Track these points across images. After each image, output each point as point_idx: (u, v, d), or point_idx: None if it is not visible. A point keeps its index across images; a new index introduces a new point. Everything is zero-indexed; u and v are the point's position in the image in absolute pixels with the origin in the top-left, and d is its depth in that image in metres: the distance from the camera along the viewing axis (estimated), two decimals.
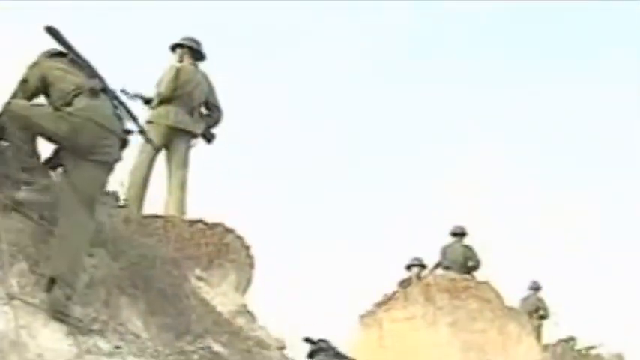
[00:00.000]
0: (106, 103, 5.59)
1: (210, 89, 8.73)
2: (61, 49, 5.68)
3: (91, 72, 5.62)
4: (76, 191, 5.38)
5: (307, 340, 7.90)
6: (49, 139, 5.52)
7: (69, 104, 5.42)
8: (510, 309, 11.69)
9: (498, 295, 11.31)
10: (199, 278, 7.32)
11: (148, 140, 7.11)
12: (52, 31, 5.58)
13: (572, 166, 31.06)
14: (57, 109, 5.41)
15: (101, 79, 5.62)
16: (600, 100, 30.73)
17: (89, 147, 5.40)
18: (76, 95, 5.44)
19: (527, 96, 32.09)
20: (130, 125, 5.85)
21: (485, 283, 11.39)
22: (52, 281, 5.17)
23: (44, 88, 5.57)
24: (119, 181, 8.27)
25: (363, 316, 10.77)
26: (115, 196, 7.68)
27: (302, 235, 29.75)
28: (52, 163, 5.68)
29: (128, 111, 5.84)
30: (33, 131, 5.44)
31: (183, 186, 8.46)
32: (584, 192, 28.84)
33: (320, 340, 7.94)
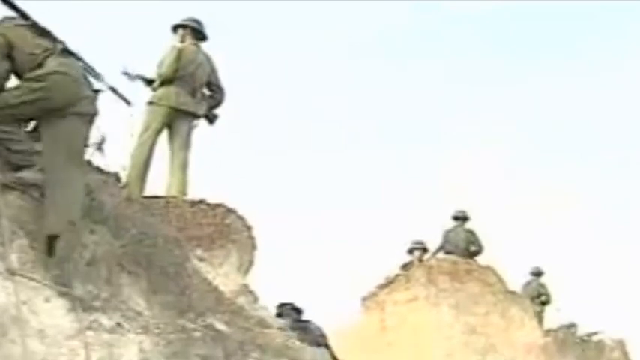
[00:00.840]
0: (75, 62, 5.62)
1: (213, 70, 8.67)
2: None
3: (52, 36, 5.62)
4: (61, 147, 5.40)
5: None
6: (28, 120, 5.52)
7: (40, 65, 5.41)
8: (512, 293, 11.66)
9: (500, 280, 11.27)
10: (201, 259, 7.28)
11: (122, 98, 6.97)
12: (6, 1, 5.59)
13: (570, 155, 31.09)
14: (23, 77, 5.42)
15: (63, 43, 5.63)
16: (598, 90, 30.76)
17: (67, 101, 5.43)
18: (46, 57, 5.44)
19: (527, 85, 32.10)
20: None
21: (488, 267, 11.35)
22: (51, 241, 5.13)
23: (9, 52, 5.48)
24: (120, 164, 8.28)
25: (364, 299, 10.74)
26: (116, 177, 7.65)
27: (305, 218, 29.83)
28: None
29: (94, 71, 5.85)
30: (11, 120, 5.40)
31: (184, 167, 8.41)
32: (583, 181, 28.87)
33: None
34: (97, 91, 5.80)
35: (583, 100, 31.49)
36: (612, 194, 31.29)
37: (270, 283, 8.08)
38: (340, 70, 32.07)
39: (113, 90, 6.19)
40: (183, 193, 8.22)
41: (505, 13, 32.30)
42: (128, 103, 6.74)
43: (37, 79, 5.37)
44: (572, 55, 32.51)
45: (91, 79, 5.78)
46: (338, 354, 8.21)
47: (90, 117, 5.69)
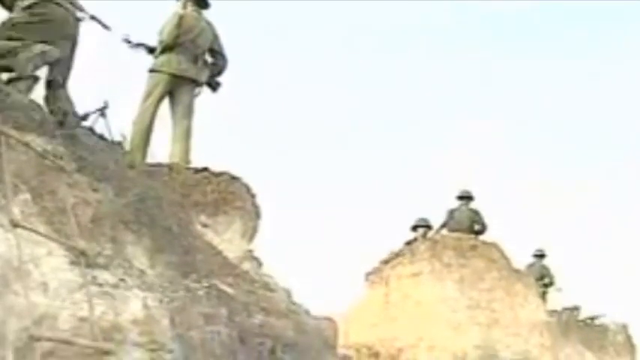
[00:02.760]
0: None
1: (215, 37, 8.56)
2: None
3: None
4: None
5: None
6: None
7: None
8: (517, 271, 11.58)
9: (505, 257, 11.19)
10: (204, 225, 7.20)
11: (102, 24, 6.88)
12: None
13: (571, 143, 31.07)
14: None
15: None
16: (600, 79, 30.68)
17: (62, 23, 6.30)
18: None
19: (528, 75, 32.03)
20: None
21: (492, 243, 11.27)
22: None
23: None
24: (122, 132, 8.20)
25: (369, 274, 10.65)
26: (119, 145, 7.58)
27: (309, 195, 29.87)
28: None
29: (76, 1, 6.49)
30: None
31: (187, 135, 8.31)
32: (584, 169, 28.83)
33: None
34: (78, 19, 6.48)
35: (583, 79, 31.47)
36: (615, 187, 31.25)
37: (274, 255, 7.96)
38: (348, 37, 31.85)
39: (93, 18, 6.65)
40: (186, 161, 8.13)
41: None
42: (107, 28, 6.80)
43: (33, 12, 6.14)
44: (578, 34, 32.40)
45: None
46: (342, 329, 8.11)
47: (76, 41, 6.46)
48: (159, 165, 7.66)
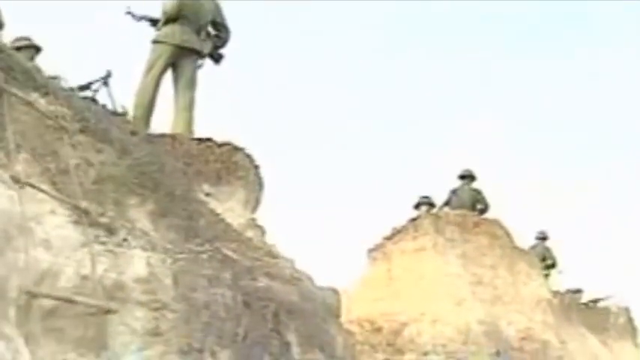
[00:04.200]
0: None
1: (218, 9, 8.53)
2: None
3: None
4: None
5: None
6: None
7: None
8: (520, 249, 11.54)
9: (508, 234, 11.16)
10: (207, 194, 7.17)
11: None
12: None
13: (571, 143, 31.11)
14: None
15: None
16: (600, 78, 30.67)
17: None
18: None
19: (529, 74, 32.02)
20: None
21: (495, 220, 11.23)
22: None
23: None
24: (123, 104, 8.17)
25: (371, 250, 10.61)
26: (122, 115, 7.56)
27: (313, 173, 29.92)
28: None
29: None
30: None
31: (190, 106, 8.29)
32: (584, 168, 28.84)
33: None
34: None
35: (583, 78, 31.46)
36: (615, 185, 31.30)
37: (277, 229, 7.92)
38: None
39: None
40: (189, 132, 8.10)
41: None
42: None
43: None
44: (578, 32, 32.38)
45: None
46: (345, 305, 8.05)
47: None
48: (162, 135, 7.63)
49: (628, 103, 32.05)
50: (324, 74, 32.21)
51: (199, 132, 8.17)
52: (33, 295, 4.55)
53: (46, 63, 6.85)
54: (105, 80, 7.85)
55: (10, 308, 4.54)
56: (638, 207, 29.90)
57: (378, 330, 9.57)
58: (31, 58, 7.82)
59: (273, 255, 6.65)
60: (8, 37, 7.49)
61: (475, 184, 13.05)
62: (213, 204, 7.00)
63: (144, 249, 5.24)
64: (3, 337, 4.39)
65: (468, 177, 13.04)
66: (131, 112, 8.01)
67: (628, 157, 30.98)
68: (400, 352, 9.37)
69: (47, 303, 4.69)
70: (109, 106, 7.75)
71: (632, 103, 31.57)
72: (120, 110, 7.87)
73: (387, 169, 30.33)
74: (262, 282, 5.95)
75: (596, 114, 32.83)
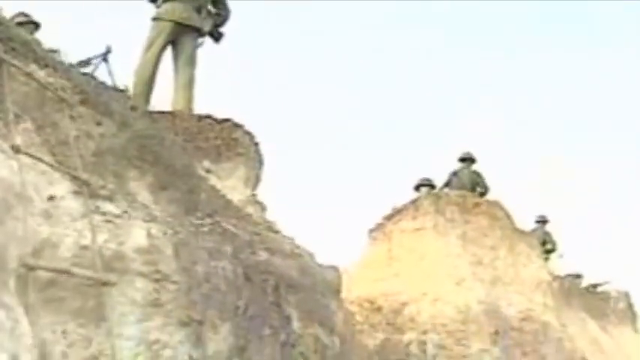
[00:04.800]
0: None
1: None
2: None
3: None
4: None
5: None
6: None
7: None
8: (520, 231, 11.53)
9: (508, 216, 11.14)
10: (207, 170, 7.15)
11: None
12: None
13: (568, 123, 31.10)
14: None
15: None
16: (599, 59, 30.63)
17: None
18: None
19: (530, 54, 31.97)
20: None
21: (496, 202, 11.22)
22: None
23: None
24: (124, 80, 8.14)
25: (372, 230, 10.59)
26: (122, 91, 7.51)
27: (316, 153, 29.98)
28: None
29: None
30: None
31: (190, 84, 8.26)
32: (584, 166, 28.84)
33: None
34: None
35: (582, 59, 31.42)
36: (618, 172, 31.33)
37: (277, 208, 7.90)
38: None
39: None
40: (189, 109, 8.08)
41: None
42: None
43: None
44: (574, 15, 32.33)
45: None
46: (346, 285, 8.02)
47: None
48: (161, 112, 7.61)
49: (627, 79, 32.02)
50: (324, 70, 32.22)
51: (199, 111, 8.15)
52: (30, 268, 4.52)
53: (44, 39, 6.81)
54: (104, 56, 7.82)
55: (9, 278, 4.52)
56: (638, 193, 29.93)
57: (378, 309, 9.57)
58: (30, 35, 7.78)
59: (273, 230, 6.64)
60: (7, 13, 7.45)
61: (475, 167, 13.04)
62: (213, 180, 6.98)
63: (144, 220, 5.21)
64: (3, 306, 4.37)
65: (467, 160, 13.02)
66: (131, 90, 7.97)
67: (629, 143, 31.00)
68: (400, 331, 9.38)
69: (46, 273, 4.67)
70: (109, 83, 7.71)
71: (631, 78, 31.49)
72: (120, 87, 7.83)
73: (388, 152, 30.35)
74: (262, 256, 5.94)
75: (597, 100, 32.81)
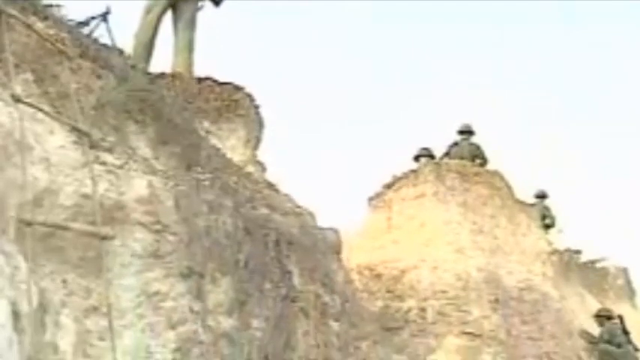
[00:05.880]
0: None
1: None
2: None
3: None
4: None
5: None
6: None
7: None
8: (520, 201, 11.52)
9: (508, 186, 11.12)
10: (207, 131, 7.12)
11: None
12: None
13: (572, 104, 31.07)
14: None
15: None
16: (596, 38, 30.55)
17: None
18: None
19: (528, 38, 31.89)
20: None
21: (496, 172, 11.19)
22: None
23: None
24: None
25: (371, 199, 10.57)
26: (121, 51, 7.46)
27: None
28: None
29: None
30: None
31: (190, 47, 8.19)
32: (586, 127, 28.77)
33: None
34: None
35: (580, 37, 31.35)
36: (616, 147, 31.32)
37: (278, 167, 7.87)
38: None
39: None
40: (189, 73, 8.02)
41: None
42: None
43: None
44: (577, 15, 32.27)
45: None
46: (345, 254, 8.00)
47: None
48: (161, 74, 7.58)
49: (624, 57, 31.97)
50: (328, 33, 32.09)
51: (200, 74, 8.11)
52: (28, 224, 4.49)
53: None
54: (104, 17, 7.73)
55: (8, 225, 4.50)
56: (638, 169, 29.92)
57: (378, 277, 9.57)
58: None
59: (273, 189, 6.62)
60: None
61: (474, 140, 12.99)
62: (213, 141, 6.95)
63: (145, 172, 5.19)
64: (2, 252, 4.35)
65: (467, 132, 12.98)
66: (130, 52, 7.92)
67: (631, 119, 30.96)
68: (400, 298, 9.38)
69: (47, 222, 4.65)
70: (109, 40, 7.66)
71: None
72: (119, 47, 7.78)
73: (389, 122, 30.31)
74: (263, 211, 5.92)
75: (600, 74, 32.72)
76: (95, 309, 4.80)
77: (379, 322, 8.57)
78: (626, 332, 12.30)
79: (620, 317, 12.41)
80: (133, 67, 6.78)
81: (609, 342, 11.75)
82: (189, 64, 8.13)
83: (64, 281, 4.74)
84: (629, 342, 12.22)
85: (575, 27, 31.41)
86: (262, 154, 7.75)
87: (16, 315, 4.31)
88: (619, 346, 11.97)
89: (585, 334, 11.72)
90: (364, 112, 31.63)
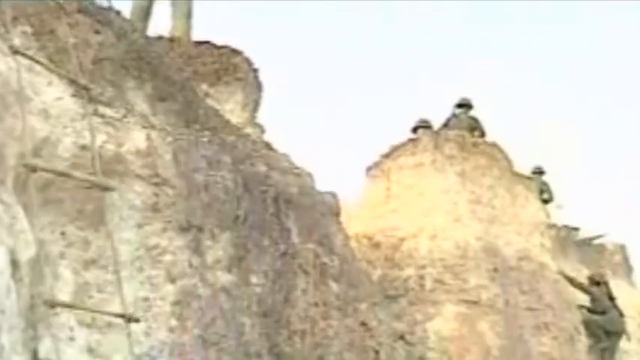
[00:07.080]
0: None
1: None
2: None
3: None
4: None
5: None
6: None
7: None
8: (518, 173, 11.50)
9: (507, 158, 11.10)
10: (206, 94, 7.10)
11: None
12: None
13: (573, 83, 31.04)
14: None
15: None
16: (599, 21, 30.51)
17: None
18: None
19: (532, 15, 31.82)
20: None
21: (494, 143, 11.18)
22: None
23: None
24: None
25: (369, 168, 10.56)
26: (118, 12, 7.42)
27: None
28: None
29: None
30: None
31: (188, 14, 8.17)
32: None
33: None
34: None
35: (582, 21, 31.31)
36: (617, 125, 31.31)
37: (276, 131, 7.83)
38: None
39: None
40: (187, 37, 8.00)
41: None
42: None
43: None
44: None
45: None
46: (343, 224, 7.96)
47: None
48: (159, 37, 7.56)
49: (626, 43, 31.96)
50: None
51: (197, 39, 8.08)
52: (32, 169, 4.49)
53: None
54: None
55: (7, 175, 4.49)
56: (636, 147, 29.92)
57: (376, 245, 9.56)
58: None
59: (272, 149, 6.61)
60: None
61: (472, 113, 12.97)
62: (211, 104, 6.93)
63: (143, 126, 5.18)
64: (1, 202, 4.35)
65: (465, 105, 12.95)
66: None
67: (629, 99, 30.96)
68: (398, 266, 9.37)
69: (45, 174, 4.64)
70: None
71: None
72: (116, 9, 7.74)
73: (389, 93, 30.30)
74: (262, 169, 5.91)
75: (602, 55, 32.69)
76: (94, 261, 4.80)
77: (378, 290, 8.55)
78: (611, 298, 12.39)
79: (605, 283, 12.50)
80: (132, 25, 6.77)
81: (592, 311, 11.87)
82: (188, 28, 8.11)
83: (63, 233, 4.73)
84: (615, 307, 12.31)
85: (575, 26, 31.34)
86: (261, 117, 7.75)
87: (14, 263, 4.31)
88: (603, 312, 12.06)
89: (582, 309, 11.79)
90: (366, 80, 31.59)
